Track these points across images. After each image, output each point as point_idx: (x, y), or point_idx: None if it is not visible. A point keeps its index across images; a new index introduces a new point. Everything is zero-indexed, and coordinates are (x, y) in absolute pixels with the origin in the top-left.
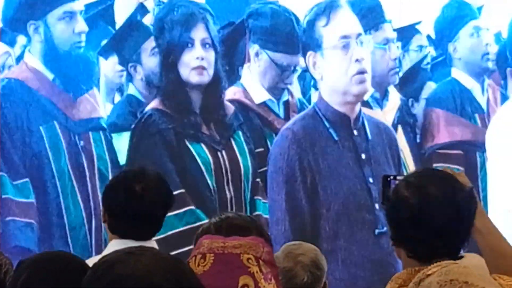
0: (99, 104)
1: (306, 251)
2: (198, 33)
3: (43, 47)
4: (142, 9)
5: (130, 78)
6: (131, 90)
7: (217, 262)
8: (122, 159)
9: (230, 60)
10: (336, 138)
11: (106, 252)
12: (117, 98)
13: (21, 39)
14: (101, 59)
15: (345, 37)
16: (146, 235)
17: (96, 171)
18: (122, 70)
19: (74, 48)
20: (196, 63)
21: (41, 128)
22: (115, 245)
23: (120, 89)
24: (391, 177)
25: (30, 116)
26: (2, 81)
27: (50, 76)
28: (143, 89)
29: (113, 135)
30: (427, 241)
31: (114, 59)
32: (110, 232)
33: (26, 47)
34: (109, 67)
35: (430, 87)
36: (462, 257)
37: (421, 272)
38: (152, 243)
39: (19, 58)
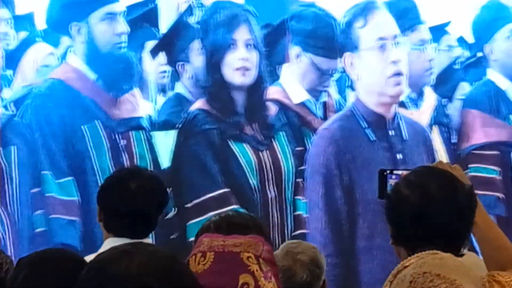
0: (140, 104)
1: (305, 249)
2: (241, 34)
3: (85, 48)
4: (190, 10)
5: (178, 77)
6: (179, 89)
7: (217, 261)
8: (166, 157)
9: (270, 60)
10: (372, 138)
11: (101, 250)
12: (159, 98)
13: (64, 40)
14: (144, 59)
15: (381, 38)
16: (141, 233)
17: None
18: (164, 71)
19: (115, 48)
20: (239, 64)
21: (83, 127)
22: (110, 243)
23: (163, 90)
24: (388, 171)
25: (73, 115)
26: (46, 82)
27: (92, 76)
28: (191, 87)
29: (160, 132)
30: (428, 240)
31: (157, 60)
32: (105, 231)
33: (69, 48)
34: (151, 68)
35: (463, 87)
36: (462, 255)
37: (400, 264)
38: (148, 241)
39: (63, 59)
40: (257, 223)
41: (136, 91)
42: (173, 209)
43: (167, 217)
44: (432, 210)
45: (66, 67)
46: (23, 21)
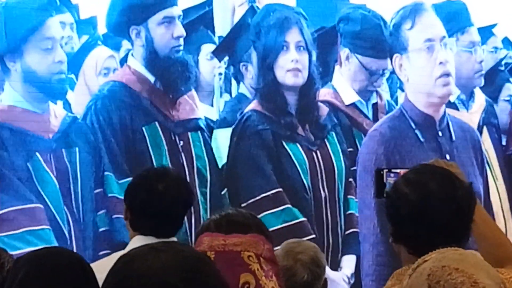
0: (197, 105)
1: (306, 249)
2: (293, 37)
3: (144, 51)
4: (252, 11)
5: (241, 77)
6: (242, 89)
7: (217, 260)
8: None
9: (322, 63)
10: (421, 139)
11: (128, 248)
12: (215, 99)
13: (124, 43)
14: (200, 62)
15: (429, 40)
16: (166, 233)
17: (195, 170)
18: (220, 74)
19: (173, 51)
20: (291, 65)
21: (143, 128)
22: (137, 241)
23: (219, 91)
24: (385, 170)
25: (133, 117)
26: (108, 84)
27: (151, 78)
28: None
29: (223, 131)
30: (427, 238)
31: (213, 62)
32: (131, 230)
33: (129, 51)
34: (207, 70)
35: (508, 88)
36: (445, 249)
37: (420, 258)
38: (173, 240)
39: (123, 62)
40: (258, 222)
41: (193, 92)
42: None
43: None
44: (431, 208)
45: (126, 69)
46: (86, 25)
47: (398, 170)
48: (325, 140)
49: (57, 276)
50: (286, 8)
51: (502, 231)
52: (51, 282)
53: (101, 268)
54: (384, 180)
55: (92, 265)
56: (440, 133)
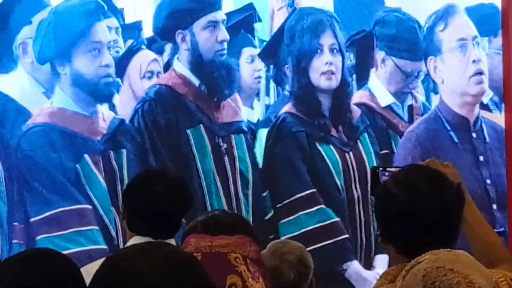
0: (240, 108)
1: (292, 249)
2: (326, 39)
3: (189, 54)
4: (295, 14)
5: (286, 80)
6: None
7: (204, 262)
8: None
9: (359, 65)
10: (456, 140)
11: None
12: (256, 102)
13: (167, 47)
14: (241, 65)
15: (462, 39)
16: (164, 234)
17: (237, 172)
18: (259, 77)
19: (217, 55)
20: (325, 68)
21: (188, 131)
22: (133, 242)
23: (257, 94)
24: (380, 169)
25: (179, 119)
26: (154, 87)
27: (196, 82)
28: None
29: (264, 129)
30: (416, 238)
31: (253, 66)
32: (128, 230)
33: (174, 55)
34: (248, 73)
35: None
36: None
37: (414, 260)
38: (171, 242)
39: (166, 65)
40: (244, 223)
41: (236, 96)
42: (271, 210)
43: (266, 218)
44: (419, 208)
45: (172, 73)
46: (131, 30)
47: (392, 169)
48: (358, 141)
49: (44, 277)
50: (319, 11)
51: (494, 231)
52: (38, 282)
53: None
54: (380, 179)
55: (82, 269)
56: (474, 135)
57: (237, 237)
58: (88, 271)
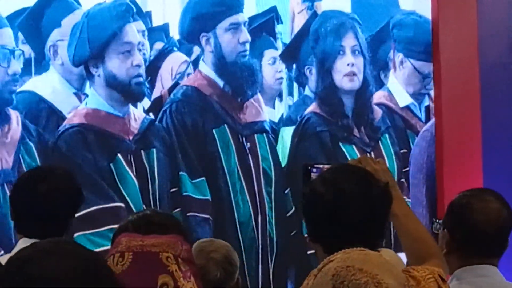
0: (263, 108)
1: (218, 247)
2: (348, 41)
3: (213, 56)
4: (314, 17)
5: (306, 80)
6: (307, 91)
7: (135, 261)
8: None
9: (375, 66)
10: None
11: (14, 251)
12: (277, 103)
13: (195, 50)
14: (263, 67)
15: None
16: (52, 235)
17: (261, 171)
18: (281, 78)
19: (239, 56)
20: (348, 69)
21: (214, 131)
22: (22, 244)
23: (279, 95)
24: (311, 166)
25: (204, 119)
26: (182, 88)
27: (220, 83)
28: None
29: (286, 128)
30: (343, 237)
31: (275, 67)
32: (17, 232)
33: (200, 56)
34: (270, 74)
35: None
36: (378, 251)
37: (326, 258)
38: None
39: (194, 67)
40: (176, 222)
41: (259, 96)
42: (292, 207)
43: (287, 214)
44: (346, 207)
45: (198, 74)
46: (158, 32)
47: (321, 166)
48: (379, 141)
49: None
50: (341, 14)
51: (425, 227)
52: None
53: None
54: (311, 176)
55: None
56: None
57: (169, 237)
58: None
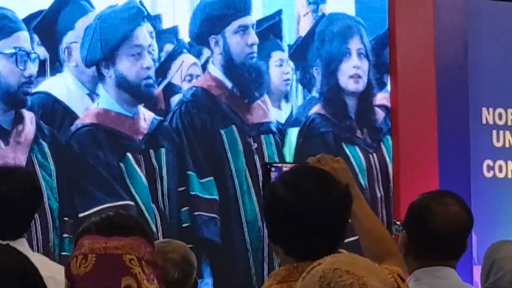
0: (270, 110)
1: (176, 248)
2: (354, 44)
3: (222, 58)
4: (321, 18)
5: (314, 81)
6: (314, 93)
7: (99, 263)
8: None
9: (379, 69)
10: None
11: None
12: (283, 104)
13: (205, 52)
14: (271, 68)
15: None
16: (13, 235)
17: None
18: (288, 79)
19: (247, 58)
20: (353, 71)
21: (222, 131)
22: None
23: (285, 96)
24: (270, 165)
25: (213, 120)
26: (191, 89)
27: (229, 84)
28: None
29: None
30: (304, 239)
31: (282, 69)
32: None
33: (209, 58)
34: (277, 76)
35: None
36: (338, 253)
37: (315, 262)
38: (21, 241)
39: (204, 69)
40: (139, 224)
41: (266, 97)
42: None
43: None
44: (306, 209)
45: (207, 76)
46: (168, 34)
47: (280, 165)
48: (381, 143)
49: None
50: (347, 17)
51: (383, 225)
52: None
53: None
54: (271, 175)
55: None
56: None
57: (132, 239)
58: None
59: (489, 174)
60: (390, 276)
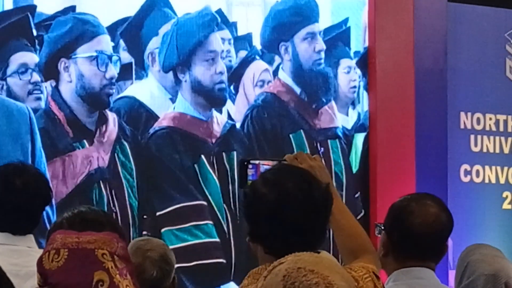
0: (336, 115)
1: (155, 246)
2: None
3: (291, 65)
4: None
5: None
6: None
7: (71, 258)
8: None
9: None
10: None
11: None
12: (350, 110)
13: (277, 59)
14: (339, 75)
15: None
16: (23, 229)
17: (333, 175)
18: (354, 87)
19: (315, 64)
20: None
21: (290, 135)
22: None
23: (353, 103)
24: (247, 161)
25: (282, 125)
26: (262, 95)
27: (297, 90)
28: None
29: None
30: (284, 237)
31: (349, 76)
32: None
33: (279, 65)
34: (344, 82)
35: None
36: (318, 253)
37: (276, 261)
38: (30, 238)
39: (274, 75)
40: (111, 220)
41: (333, 103)
42: (362, 211)
43: (357, 218)
44: (288, 207)
45: (277, 82)
46: (242, 41)
47: (257, 162)
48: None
49: None
50: None
51: (358, 222)
52: None
53: None
54: (247, 171)
55: None
56: None
57: (104, 234)
58: None
59: (466, 179)
60: (366, 275)
